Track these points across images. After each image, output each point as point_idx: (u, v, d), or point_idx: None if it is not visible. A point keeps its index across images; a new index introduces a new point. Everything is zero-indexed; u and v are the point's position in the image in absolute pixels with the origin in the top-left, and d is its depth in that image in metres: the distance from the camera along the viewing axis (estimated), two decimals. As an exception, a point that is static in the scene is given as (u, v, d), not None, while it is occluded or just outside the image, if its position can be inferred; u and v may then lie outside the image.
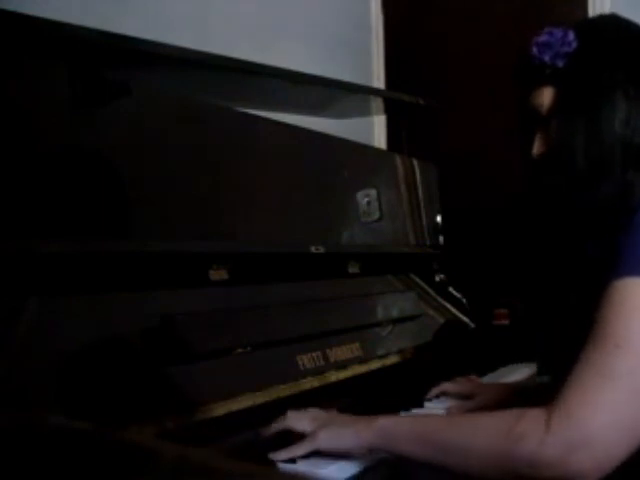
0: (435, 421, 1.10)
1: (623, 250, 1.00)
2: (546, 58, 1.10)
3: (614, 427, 0.92)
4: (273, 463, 1.07)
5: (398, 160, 2.02)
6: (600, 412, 0.92)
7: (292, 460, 1.08)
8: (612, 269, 1.00)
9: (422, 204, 2.05)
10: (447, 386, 1.50)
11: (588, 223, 1.10)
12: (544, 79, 1.12)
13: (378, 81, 2.79)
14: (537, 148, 1.14)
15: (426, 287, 1.95)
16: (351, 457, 1.11)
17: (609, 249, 1.02)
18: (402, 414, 1.33)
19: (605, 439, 0.91)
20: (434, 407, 1.43)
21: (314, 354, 1.39)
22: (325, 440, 1.08)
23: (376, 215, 1.86)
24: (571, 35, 1.10)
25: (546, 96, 1.12)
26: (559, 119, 1.10)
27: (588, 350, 0.97)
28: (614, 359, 0.94)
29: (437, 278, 2.02)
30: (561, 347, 1.19)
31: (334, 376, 1.43)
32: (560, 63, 1.10)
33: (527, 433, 0.93)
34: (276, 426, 1.14)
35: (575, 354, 1.06)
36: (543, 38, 1.10)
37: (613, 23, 1.15)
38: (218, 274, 1.32)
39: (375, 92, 2.36)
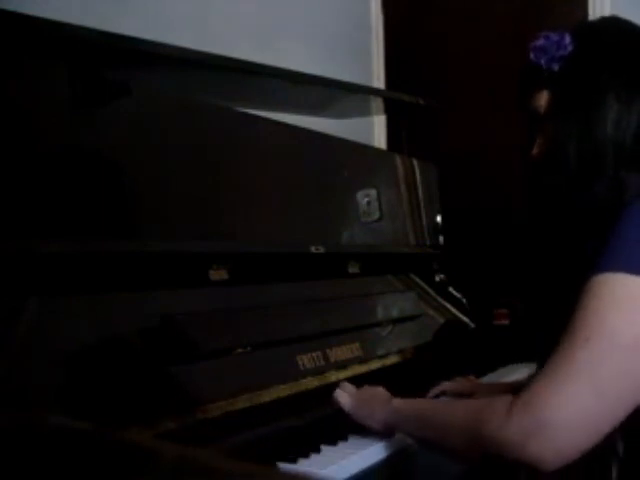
0: (431, 405, 1.17)
1: (606, 244, 1.00)
2: (542, 62, 1.12)
3: (575, 418, 0.92)
4: (273, 463, 1.07)
5: (398, 160, 2.02)
6: (561, 402, 0.92)
7: (292, 460, 1.09)
8: (595, 263, 1.00)
9: (422, 204, 2.05)
10: (447, 385, 1.51)
11: (588, 223, 1.11)
12: (542, 82, 1.14)
13: (378, 81, 2.79)
14: (535, 149, 1.17)
15: (426, 287, 1.95)
16: (351, 456, 1.12)
17: (590, 245, 1.03)
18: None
19: (564, 429, 0.91)
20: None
21: (314, 354, 1.39)
22: (357, 419, 1.23)
23: (376, 215, 1.86)
24: (567, 39, 1.12)
25: (543, 99, 1.14)
26: (554, 121, 1.12)
27: (561, 342, 0.97)
28: (582, 352, 0.94)
29: (437, 278, 2.02)
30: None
31: (334, 376, 1.43)
32: (555, 67, 1.12)
33: (491, 417, 0.96)
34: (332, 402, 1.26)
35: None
36: (539, 42, 1.13)
37: (612, 26, 1.16)
38: (218, 274, 1.32)
39: (375, 92, 2.36)
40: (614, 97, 1.07)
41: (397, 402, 1.18)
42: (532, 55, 1.14)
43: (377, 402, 1.22)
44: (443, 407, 1.11)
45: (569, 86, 1.11)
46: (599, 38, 1.13)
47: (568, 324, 0.98)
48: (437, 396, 1.49)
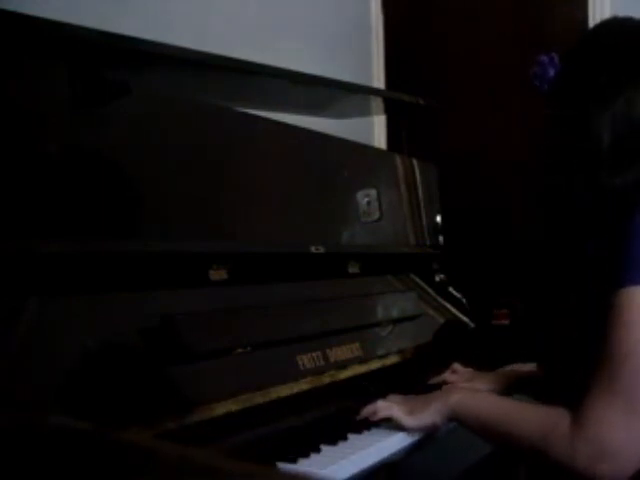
0: (493, 409, 1.18)
1: (625, 257, 1.01)
2: (537, 84, 1.21)
3: (629, 438, 0.99)
4: (273, 463, 1.07)
5: (398, 160, 2.02)
6: (615, 428, 0.99)
7: (292, 460, 1.09)
8: (615, 277, 1.01)
9: (422, 204, 2.05)
10: (447, 376, 1.55)
11: (588, 223, 1.12)
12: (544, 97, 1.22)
13: (378, 81, 2.79)
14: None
15: (426, 287, 1.95)
16: (351, 456, 1.12)
17: (609, 251, 1.04)
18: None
19: (623, 450, 0.99)
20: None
21: (314, 354, 1.39)
22: (411, 423, 1.24)
23: (376, 215, 1.86)
24: (556, 60, 1.19)
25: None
26: (545, 132, 1.22)
27: (599, 364, 1.02)
28: (624, 368, 0.99)
29: (437, 278, 2.02)
30: (560, 347, 1.21)
31: (334, 376, 1.43)
32: (544, 86, 1.20)
33: (557, 442, 1.04)
34: (367, 412, 1.27)
35: (574, 354, 1.09)
36: (534, 68, 1.22)
37: (601, 39, 1.19)
38: (218, 274, 1.32)
39: (375, 92, 2.36)
40: (598, 110, 1.11)
41: (458, 397, 1.21)
42: (531, 79, 1.22)
43: (434, 396, 1.25)
44: (506, 417, 1.13)
45: (553, 104, 1.19)
46: (582, 57, 1.19)
47: (601, 343, 1.02)
48: (438, 384, 1.51)
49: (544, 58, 1.19)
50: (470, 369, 1.60)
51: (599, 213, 1.10)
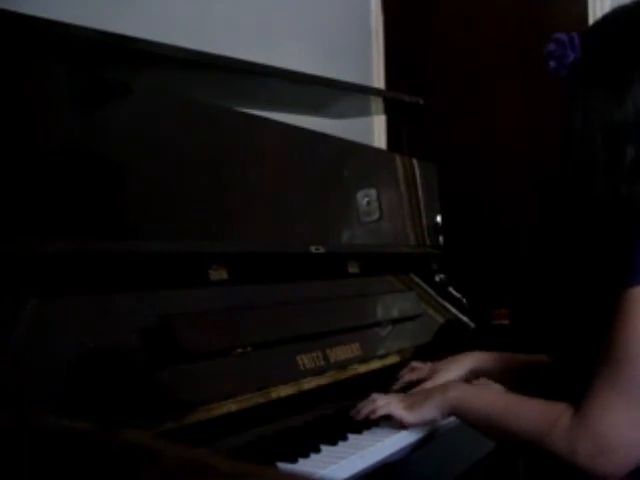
0: (493, 403, 1.17)
1: (635, 257, 1.01)
2: (552, 65, 1.12)
3: (631, 434, 1.00)
4: (273, 463, 1.07)
5: (398, 160, 2.02)
6: (617, 424, 1.00)
7: (292, 460, 1.09)
8: (624, 276, 1.01)
9: (422, 204, 2.05)
10: (407, 377, 1.49)
11: (599, 223, 1.12)
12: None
13: (378, 81, 2.79)
14: None
15: (426, 287, 1.95)
16: (351, 456, 1.12)
17: (618, 251, 1.04)
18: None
19: (623, 447, 1.00)
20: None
21: (314, 354, 1.39)
22: (411, 419, 1.24)
23: (376, 215, 1.86)
24: (577, 42, 1.11)
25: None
26: (562, 121, 1.14)
27: (603, 362, 1.02)
28: (627, 371, 1.00)
29: (437, 278, 2.02)
30: (564, 344, 1.21)
31: (334, 376, 1.43)
32: (563, 71, 1.12)
33: (558, 438, 1.04)
34: (366, 411, 1.26)
35: (578, 351, 1.09)
36: (550, 47, 1.12)
37: (623, 24, 1.13)
38: (218, 274, 1.32)
39: (375, 92, 2.36)
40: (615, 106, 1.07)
41: (457, 392, 1.21)
42: (544, 59, 1.13)
43: (433, 391, 1.25)
44: (507, 412, 1.13)
45: (571, 93, 1.12)
46: (603, 43, 1.12)
47: (606, 342, 1.02)
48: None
49: (563, 37, 1.09)
50: (429, 363, 1.55)
51: (612, 215, 1.09)
